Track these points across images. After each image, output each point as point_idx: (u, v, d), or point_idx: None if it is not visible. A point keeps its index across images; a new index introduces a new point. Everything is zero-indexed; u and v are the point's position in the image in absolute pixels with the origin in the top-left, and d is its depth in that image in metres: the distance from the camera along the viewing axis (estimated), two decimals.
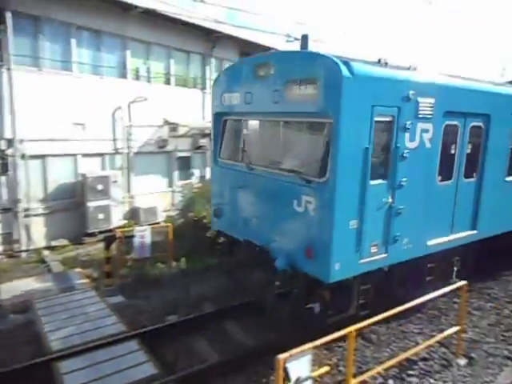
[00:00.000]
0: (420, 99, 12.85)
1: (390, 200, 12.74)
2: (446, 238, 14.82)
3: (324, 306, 12.65)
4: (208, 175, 32.58)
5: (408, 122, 12.67)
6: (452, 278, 15.86)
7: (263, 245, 13.69)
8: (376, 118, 11.97)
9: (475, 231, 15.77)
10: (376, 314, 11.12)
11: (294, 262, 12.54)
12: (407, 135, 12.77)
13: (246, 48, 36.02)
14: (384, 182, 12.56)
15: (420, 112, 12.94)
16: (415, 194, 13.31)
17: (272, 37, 36.02)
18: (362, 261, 12.38)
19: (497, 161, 16.10)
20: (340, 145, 11.37)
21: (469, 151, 15.01)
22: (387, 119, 12.30)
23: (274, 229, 13.23)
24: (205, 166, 33.45)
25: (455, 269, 16.05)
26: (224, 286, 18.09)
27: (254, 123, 14.82)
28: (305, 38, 13.23)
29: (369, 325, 10.98)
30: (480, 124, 15.19)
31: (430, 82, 13.23)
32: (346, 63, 11.42)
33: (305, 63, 12.12)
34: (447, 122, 13.95)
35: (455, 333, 13.11)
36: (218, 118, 15.99)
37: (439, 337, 12.85)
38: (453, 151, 14.54)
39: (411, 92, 12.60)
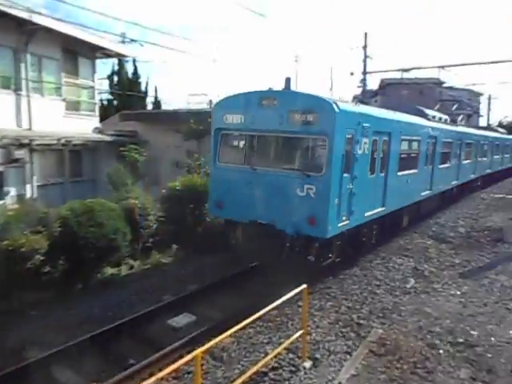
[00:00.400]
0: (364, 124, 20.42)
1: (351, 186, 19.95)
2: (372, 212, 22.51)
3: (316, 256, 19.61)
4: (29, 194, 29.66)
5: (359, 138, 20.13)
6: (372, 240, 24.19)
7: (269, 222, 19.82)
8: (347, 136, 19.31)
9: (384, 208, 23.83)
10: (345, 261, 20.69)
11: (298, 229, 19.08)
12: (358, 146, 20.12)
13: (72, 45, 33.48)
14: (348, 175, 19.70)
15: (363, 132, 20.48)
16: (361, 183, 20.60)
17: (104, 35, 33.86)
18: (339, 225, 19.51)
19: (394, 161, 24.27)
20: (333, 152, 18.40)
21: (382, 155, 22.87)
22: (350, 136, 19.57)
23: (280, 209, 19.47)
24: (24, 182, 29.48)
25: (374, 232, 24.10)
26: None
27: (256, 136, 20.80)
28: (288, 81, 19.81)
29: (216, 343, 10.98)
30: (386, 138, 23.23)
31: (368, 114, 21.50)
32: (335, 103, 18.51)
33: (308, 101, 18.79)
34: (373, 138, 21.63)
35: (300, 336, 13.60)
36: (218, 132, 21.66)
37: (286, 343, 13.38)
38: (375, 156, 22.15)
39: (360, 120, 20.12)
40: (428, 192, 31.20)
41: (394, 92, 74.06)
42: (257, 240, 20.61)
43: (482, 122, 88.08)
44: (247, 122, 20.57)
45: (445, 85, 73.92)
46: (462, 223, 32.36)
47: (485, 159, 49.67)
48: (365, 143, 20.84)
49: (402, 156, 25.63)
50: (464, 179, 41.32)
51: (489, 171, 52.78)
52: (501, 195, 47.40)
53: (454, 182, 38.28)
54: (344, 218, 19.91)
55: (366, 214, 22.06)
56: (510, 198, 44.57)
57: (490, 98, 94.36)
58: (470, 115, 63.09)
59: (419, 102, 41.01)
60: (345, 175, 19.51)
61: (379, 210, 23.46)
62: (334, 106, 18.44)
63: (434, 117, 33.42)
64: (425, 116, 31.80)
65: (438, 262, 23.83)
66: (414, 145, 27.76)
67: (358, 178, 20.34)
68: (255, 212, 20.28)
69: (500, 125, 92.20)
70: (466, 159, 41.07)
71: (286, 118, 19.26)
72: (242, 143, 21.52)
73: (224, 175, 21.53)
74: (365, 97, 46.65)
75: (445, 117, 36.48)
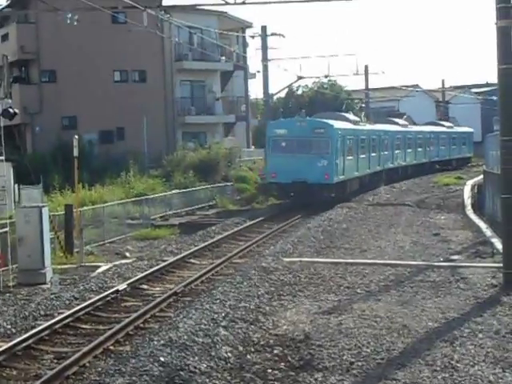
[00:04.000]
0: (344, 133, 46.01)
1: (342, 161, 44.00)
2: (352, 174, 47.26)
3: (334, 195, 43.24)
4: None
5: (343, 139, 45.22)
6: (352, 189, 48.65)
7: (303, 180, 40.59)
8: (338, 138, 43.81)
9: (357, 173, 48.98)
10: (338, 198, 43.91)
11: (320, 180, 40.95)
12: (342, 142, 44.83)
13: None
14: (340, 156, 43.87)
15: (344, 136, 45.74)
16: (346, 160, 44.93)
17: None
18: (337, 178, 43.21)
19: (358, 150, 49.10)
20: (332, 145, 42.26)
21: (363, 146, 50.48)
22: (341, 138, 44.74)
23: (310, 172, 40.77)
24: None
25: (353, 185, 47.84)
26: None
27: (294, 139, 42.61)
28: (304, 113, 45.86)
29: None
30: (353, 138, 48.45)
31: (346, 127, 47.33)
32: (333, 124, 44.13)
33: (320, 123, 44.08)
34: (349, 138, 47.05)
35: None
36: (270, 138, 43.33)
37: None
38: (351, 147, 47.61)
39: (343, 131, 45.57)
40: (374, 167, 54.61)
41: None
42: (294, 191, 42.04)
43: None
44: (290, 132, 43.09)
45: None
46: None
47: (386, 153, 57.98)
48: (346, 141, 46.21)
49: (361, 146, 50.67)
50: (374, 169, 54.72)
51: (391, 165, 59.83)
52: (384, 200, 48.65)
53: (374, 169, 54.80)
54: (339, 175, 43.73)
55: (349, 175, 46.65)
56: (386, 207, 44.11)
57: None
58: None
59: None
60: (338, 156, 43.36)
61: (355, 173, 48.67)
62: (333, 124, 44.00)
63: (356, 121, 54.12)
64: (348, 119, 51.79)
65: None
66: (364, 140, 52.03)
67: (344, 158, 44.79)
68: (294, 176, 40.88)
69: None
70: (373, 152, 53.97)
71: (310, 130, 42.61)
72: (285, 143, 42.94)
73: (276, 160, 42.79)
74: None
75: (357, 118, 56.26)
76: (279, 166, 41.78)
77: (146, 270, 23.06)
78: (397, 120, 68.86)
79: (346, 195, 45.66)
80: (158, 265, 24.08)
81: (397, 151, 60.86)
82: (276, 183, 43.09)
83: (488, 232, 29.57)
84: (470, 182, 55.17)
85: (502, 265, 20.63)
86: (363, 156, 50.83)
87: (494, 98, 56.69)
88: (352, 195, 47.00)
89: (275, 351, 14.23)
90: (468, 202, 43.27)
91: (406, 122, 72.39)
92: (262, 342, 14.88)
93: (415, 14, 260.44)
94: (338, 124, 45.17)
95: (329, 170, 41.55)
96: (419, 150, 68.08)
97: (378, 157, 55.55)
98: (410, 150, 65.11)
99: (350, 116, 54.25)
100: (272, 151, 43.29)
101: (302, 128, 42.42)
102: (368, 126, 55.30)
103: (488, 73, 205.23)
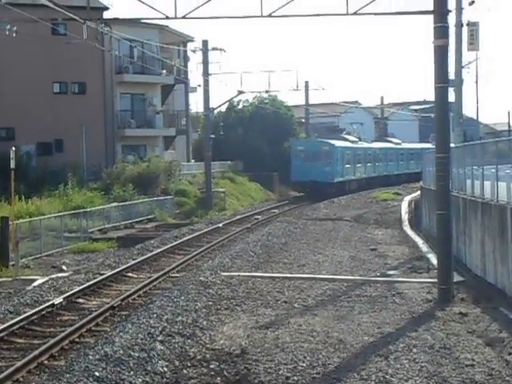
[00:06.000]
0: (343, 149, 69.17)
1: (342, 167, 67.48)
2: (350, 177, 70.70)
3: (334, 190, 65.22)
4: None
5: (342, 153, 68.00)
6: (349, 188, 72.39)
7: (314, 179, 61.98)
8: (339, 152, 66.82)
9: (354, 176, 71.98)
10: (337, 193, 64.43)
11: (325, 180, 63.45)
12: (341, 155, 67.53)
13: None
14: (340, 163, 67.35)
15: (343, 151, 68.70)
16: (346, 167, 68.55)
17: None
18: (338, 179, 66.04)
19: (355, 161, 71.97)
20: (333, 158, 64.80)
21: (359, 158, 73.73)
22: (340, 153, 67.42)
23: (319, 174, 62.15)
24: None
25: (350, 185, 71.02)
26: None
27: (309, 153, 65.18)
28: (316, 136, 77.14)
29: None
30: (350, 153, 71.14)
31: (344, 145, 70.41)
32: (334, 143, 67.13)
33: (326, 143, 67.14)
34: (347, 152, 69.76)
35: None
36: (294, 151, 66.55)
37: None
38: (349, 159, 69.84)
39: (342, 148, 68.75)
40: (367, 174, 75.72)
41: None
42: (309, 187, 63.38)
43: None
44: (306, 148, 66.28)
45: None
46: None
47: (381, 164, 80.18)
48: (345, 154, 68.30)
49: (357, 158, 71.85)
50: (369, 175, 76.59)
51: (385, 173, 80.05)
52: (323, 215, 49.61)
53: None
54: (339, 177, 66.14)
55: (348, 178, 69.17)
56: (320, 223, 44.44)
57: None
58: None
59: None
60: (338, 164, 65.57)
61: (353, 177, 70.76)
62: (334, 143, 67.09)
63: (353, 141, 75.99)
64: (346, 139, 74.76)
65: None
66: (360, 154, 73.74)
67: (343, 165, 67.18)
68: (309, 176, 61.74)
69: None
70: (368, 163, 76.85)
71: (319, 147, 66.22)
72: (304, 155, 64.74)
73: (298, 165, 63.98)
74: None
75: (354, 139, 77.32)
76: (299, 170, 63.74)
77: (82, 284, 22.79)
78: (391, 139, 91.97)
79: (345, 191, 67.20)
80: (95, 278, 23.81)
81: (391, 163, 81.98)
82: (297, 181, 65.24)
83: (424, 247, 30.08)
84: (407, 198, 56.14)
85: (437, 280, 20.97)
86: (359, 165, 72.88)
87: (432, 115, 57.86)
88: (340, 194, 65.38)
89: (211, 366, 14.30)
90: (405, 217, 43.94)
91: (400, 141, 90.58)
92: (198, 357, 14.92)
93: (356, 32, 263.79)
94: (338, 143, 68.42)
95: (331, 173, 64.37)
96: (411, 162, 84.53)
97: (373, 166, 77.20)
98: (402, 162, 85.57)
99: (350, 137, 75.94)
100: (295, 160, 65.31)
101: (314, 145, 67.27)
102: (364, 144, 78.09)
103: (426, 90, 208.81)
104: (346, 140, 74.78)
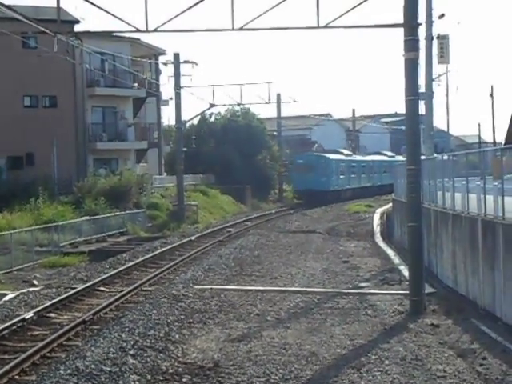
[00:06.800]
0: (339, 162, 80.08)
1: (337, 177, 77.40)
2: (344, 186, 79.43)
3: (329, 198, 73.03)
4: None
5: (337, 165, 78.26)
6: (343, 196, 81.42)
7: (311, 188, 70.61)
8: (333, 163, 77.45)
9: (349, 186, 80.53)
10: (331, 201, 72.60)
11: (322, 188, 72.38)
12: (336, 167, 77.60)
13: None
14: (335, 174, 77.34)
15: (337, 164, 78.76)
16: (340, 177, 78.43)
17: None
18: (333, 188, 76.04)
19: (349, 172, 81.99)
20: (329, 169, 75.11)
21: (353, 170, 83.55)
22: (335, 164, 77.78)
23: (316, 183, 71.48)
24: None
25: (344, 194, 79.27)
26: None
27: (307, 165, 74.84)
28: (312, 151, 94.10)
29: None
30: (344, 165, 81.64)
31: (338, 158, 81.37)
32: (329, 156, 79.15)
33: (322, 156, 79.55)
34: (341, 164, 79.94)
35: None
36: (293, 163, 79.33)
37: None
38: (343, 170, 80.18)
39: (336, 161, 79.34)
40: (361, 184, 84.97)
41: None
42: (306, 194, 72.23)
43: None
44: (305, 161, 76.50)
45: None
46: None
47: (375, 175, 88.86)
48: (339, 166, 78.33)
49: (352, 169, 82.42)
50: (364, 185, 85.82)
51: (379, 183, 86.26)
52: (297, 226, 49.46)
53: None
54: (334, 186, 75.90)
55: (342, 187, 78.27)
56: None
57: None
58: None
59: None
60: (333, 175, 75.79)
61: (347, 186, 79.75)
62: (329, 156, 78.96)
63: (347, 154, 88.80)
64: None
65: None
66: (354, 166, 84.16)
67: (337, 176, 77.19)
68: (306, 185, 71.26)
69: None
70: (362, 174, 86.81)
71: (316, 160, 76.94)
72: (303, 167, 74.98)
73: (297, 176, 76.11)
74: None
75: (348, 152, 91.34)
76: (299, 180, 74.79)
77: (53, 298, 22.58)
78: (385, 152, 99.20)
79: (340, 199, 74.84)
80: (66, 293, 23.60)
81: (384, 174, 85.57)
82: (297, 190, 76.57)
83: (396, 259, 30.20)
84: (379, 210, 56.35)
85: (408, 292, 21.04)
86: (353, 176, 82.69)
87: (403, 127, 58.17)
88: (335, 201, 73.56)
89: (184, 379, 14.27)
90: (377, 229, 44.12)
91: (394, 154, 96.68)
92: (170, 371, 14.86)
93: (328, 44, 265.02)
94: (333, 156, 79.79)
95: (327, 183, 74.22)
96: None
97: (368, 177, 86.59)
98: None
99: (345, 151, 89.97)
100: (295, 172, 76.72)
101: (312, 159, 78.06)
102: (358, 157, 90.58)
103: (397, 103, 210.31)
104: (341, 154, 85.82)
